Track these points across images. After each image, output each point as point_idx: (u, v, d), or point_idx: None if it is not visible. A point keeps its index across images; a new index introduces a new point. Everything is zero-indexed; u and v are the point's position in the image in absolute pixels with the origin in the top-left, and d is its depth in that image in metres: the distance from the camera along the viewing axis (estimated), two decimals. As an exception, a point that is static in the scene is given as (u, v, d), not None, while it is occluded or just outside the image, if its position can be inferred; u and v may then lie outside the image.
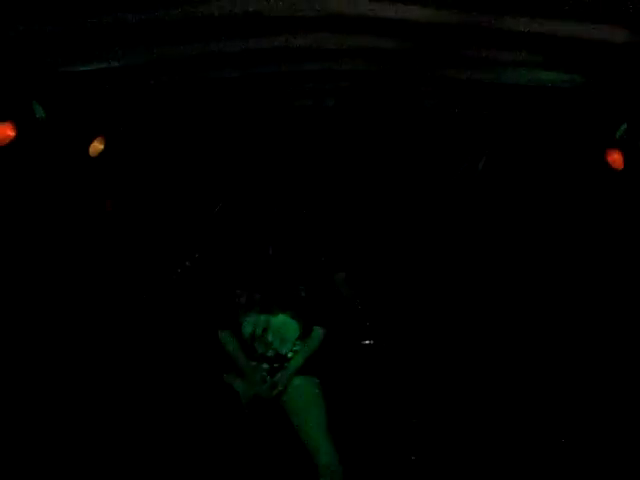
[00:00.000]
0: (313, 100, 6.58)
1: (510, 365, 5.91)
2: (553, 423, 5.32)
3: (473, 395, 5.73)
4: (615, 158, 5.64)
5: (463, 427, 5.44)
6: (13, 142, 5.08)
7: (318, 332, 4.40)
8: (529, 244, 6.32)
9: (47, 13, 4.55)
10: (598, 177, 5.81)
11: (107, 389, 5.44)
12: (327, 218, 6.37)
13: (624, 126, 5.45)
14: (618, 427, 5.22)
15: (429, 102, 6.33)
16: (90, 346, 5.55)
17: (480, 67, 5.45)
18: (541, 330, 6.06)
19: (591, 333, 5.87)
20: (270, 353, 4.36)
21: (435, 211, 6.96)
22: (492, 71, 5.47)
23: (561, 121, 6.03)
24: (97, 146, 6.06)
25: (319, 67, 5.93)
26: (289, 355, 4.35)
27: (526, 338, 6.08)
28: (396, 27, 4.94)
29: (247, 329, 4.38)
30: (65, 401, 5.40)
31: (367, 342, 6.17)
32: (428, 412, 5.66)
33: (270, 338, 4.36)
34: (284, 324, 4.36)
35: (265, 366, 4.36)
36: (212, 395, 4.54)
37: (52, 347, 5.59)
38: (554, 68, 5.17)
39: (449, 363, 6.00)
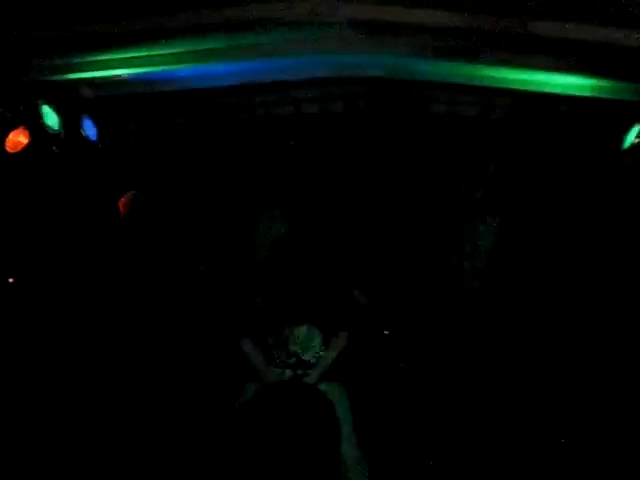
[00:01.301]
0: (320, 106, 6.58)
1: (515, 365, 5.90)
2: (553, 423, 5.31)
3: (483, 395, 5.71)
4: (625, 161, 5.66)
5: (465, 427, 5.42)
6: (26, 149, 5.07)
7: (342, 337, 4.37)
8: (541, 248, 6.32)
9: (62, 20, 4.55)
10: (611, 181, 5.82)
11: (113, 399, 5.39)
12: (338, 225, 6.34)
13: (636, 128, 5.46)
14: (618, 427, 5.22)
15: (438, 106, 6.35)
16: (96, 354, 5.49)
17: (492, 71, 5.47)
18: (550, 334, 6.05)
19: (602, 338, 5.87)
20: (292, 360, 4.31)
21: (443, 216, 6.96)
22: (504, 75, 5.49)
23: (573, 125, 6.05)
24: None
25: (327, 73, 5.94)
26: (312, 361, 4.31)
27: (533, 341, 6.07)
28: (412, 31, 4.94)
29: (269, 339, 4.33)
30: (71, 410, 5.38)
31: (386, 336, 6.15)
32: (439, 415, 5.65)
33: (293, 348, 4.31)
34: (307, 333, 4.32)
35: (288, 373, 4.31)
36: (227, 404, 4.50)
37: (55, 352, 5.55)
38: (569, 72, 5.19)
39: (458, 365, 5.96)
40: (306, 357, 4.32)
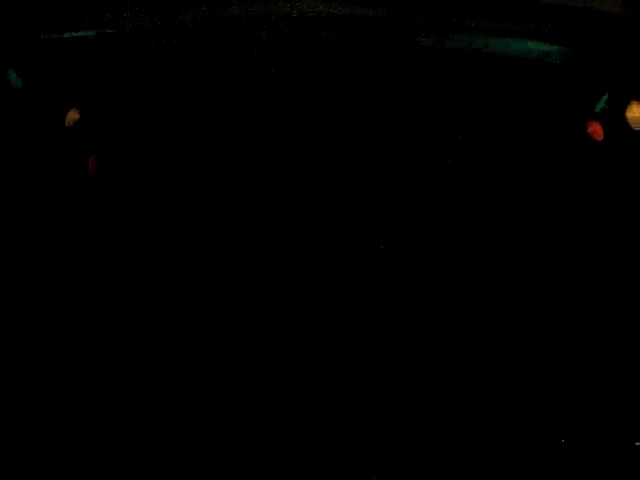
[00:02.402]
0: (288, 74, 6.52)
1: (499, 362, 5.91)
2: (553, 423, 5.34)
3: (469, 393, 5.72)
4: (595, 130, 5.69)
5: (461, 427, 5.44)
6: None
7: None
8: (507, 220, 6.33)
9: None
10: (579, 149, 5.84)
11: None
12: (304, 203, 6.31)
13: (605, 97, 5.49)
14: (618, 427, 5.25)
15: (407, 74, 6.32)
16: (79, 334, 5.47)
17: (459, 36, 5.45)
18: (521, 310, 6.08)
19: (574, 315, 5.91)
20: None
21: (411, 187, 6.95)
22: (472, 41, 5.47)
23: (541, 92, 6.05)
24: (73, 115, 5.97)
25: (293, 36, 5.88)
26: None
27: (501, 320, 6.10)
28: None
29: None
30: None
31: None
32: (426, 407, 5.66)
33: None
34: None
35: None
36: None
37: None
38: (537, 38, 5.19)
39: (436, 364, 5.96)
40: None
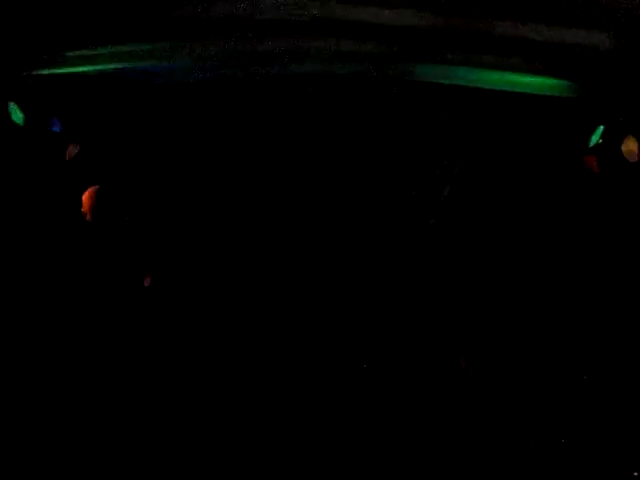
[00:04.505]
0: (283, 104, 6.55)
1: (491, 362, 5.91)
2: (553, 423, 5.33)
3: (469, 392, 5.71)
4: (590, 162, 5.73)
5: (458, 428, 5.42)
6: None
7: None
8: (503, 249, 6.35)
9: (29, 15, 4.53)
10: (575, 181, 5.88)
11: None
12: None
13: (601, 128, 5.53)
14: (618, 427, 5.24)
15: (405, 106, 6.36)
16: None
17: (458, 70, 5.50)
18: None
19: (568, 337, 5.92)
20: None
21: (408, 216, 6.97)
22: (469, 75, 5.52)
23: (538, 125, 6.10)
24: (72, 150, 5.99)
25: (289, 71, 5.92)
26: None
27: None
28: (375, 30, 4.97)
29: None
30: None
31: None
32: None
33: None
34: None
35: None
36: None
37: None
38: (534, 72, 5.24)
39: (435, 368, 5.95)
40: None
